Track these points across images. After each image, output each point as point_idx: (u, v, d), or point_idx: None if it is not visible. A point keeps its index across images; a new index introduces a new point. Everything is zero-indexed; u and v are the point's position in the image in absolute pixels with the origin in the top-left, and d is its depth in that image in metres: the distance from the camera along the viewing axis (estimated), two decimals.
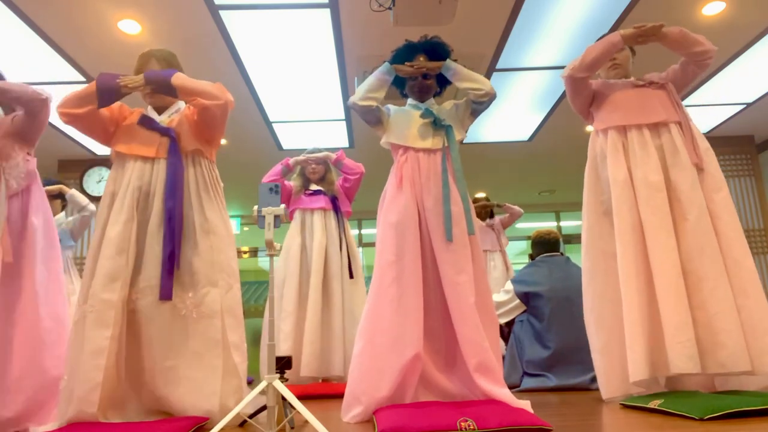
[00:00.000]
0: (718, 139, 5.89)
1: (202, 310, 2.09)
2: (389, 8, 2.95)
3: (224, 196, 2.32)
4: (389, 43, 3.81)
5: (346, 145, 5.80)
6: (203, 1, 3.35)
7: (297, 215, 3.71)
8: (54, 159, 5.82)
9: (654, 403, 2.00)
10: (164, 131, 2.25)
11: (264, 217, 1.84)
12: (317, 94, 4.66)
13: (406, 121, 2.36)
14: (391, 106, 2.43)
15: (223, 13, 3.48)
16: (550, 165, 6.77)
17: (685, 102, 5.03)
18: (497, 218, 5.40)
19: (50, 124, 4.92)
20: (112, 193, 2.18)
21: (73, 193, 3.89)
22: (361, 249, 8.40)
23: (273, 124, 5.24)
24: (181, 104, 2.38)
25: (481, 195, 5.39)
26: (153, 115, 2.32)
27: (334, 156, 3.70)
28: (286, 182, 3.70)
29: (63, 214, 4.01)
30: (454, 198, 2.21)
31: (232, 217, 8.07)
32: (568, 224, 8.89)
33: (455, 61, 2.33)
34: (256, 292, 8.66)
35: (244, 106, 4.80)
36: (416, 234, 2.19)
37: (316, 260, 3.50)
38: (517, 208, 5.30)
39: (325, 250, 3.55)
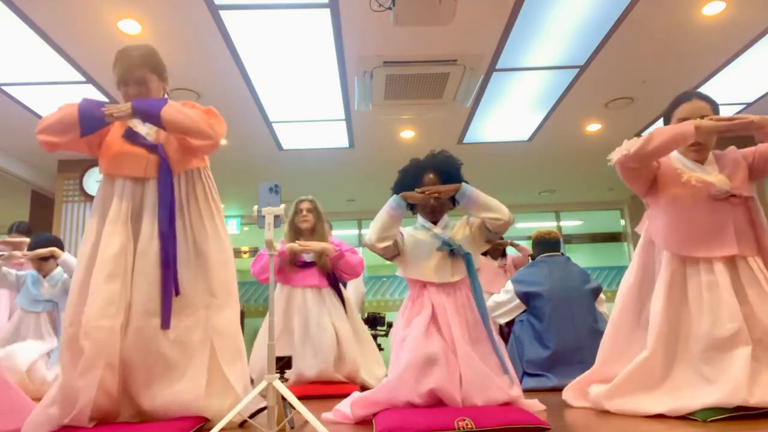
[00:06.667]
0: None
1: (191, 336, 2.01)
2: (389, 8, 2.95)
3: (223, 196, 2.24)
4: (389, 43, 3.86)
5: (346, 145, 5.79)
6: (203, 1, 3.35)
7: (284, 291, 3.38)
8: (54, 159, 5.79)
9: None
10: (151, 148, 2.11)
11: (264, 216, 1.84)
12: (317, 94, 4.66)
13: (422, 252, 2.26)
14: (404, 231, 2.33)
15: (223, 13, 3.49)
16: (550, 165, 6.77)
17: None
18: (510, 257, 5.15)
19: None
20: (102, 213, 2.07)
21: (65, 259, 3.64)
22: (360, 249, 8.38)
23: (273, 124, 5.24)
24: None
25: None
26: (139, 125, 2.17)
27: (333, 251, 3.41)
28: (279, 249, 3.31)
29: (59, 269, 3.76)
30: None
31: (232, 217, 8.05)
32: (568, 224, 8.89)
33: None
34: (255, 292, 8.67)
35: (244, 106, 4.80)
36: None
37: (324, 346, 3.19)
38: (524, 245, 5.05)
39: (335, 333, 3.27)
